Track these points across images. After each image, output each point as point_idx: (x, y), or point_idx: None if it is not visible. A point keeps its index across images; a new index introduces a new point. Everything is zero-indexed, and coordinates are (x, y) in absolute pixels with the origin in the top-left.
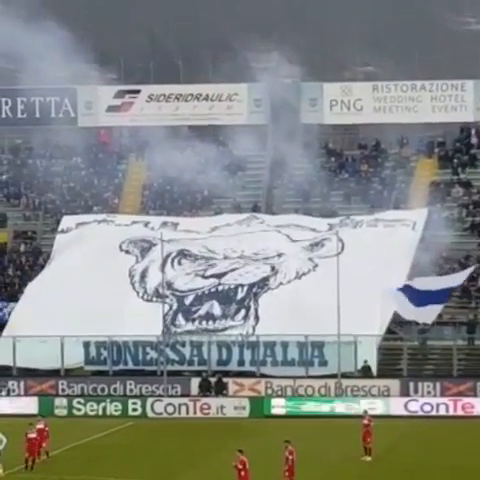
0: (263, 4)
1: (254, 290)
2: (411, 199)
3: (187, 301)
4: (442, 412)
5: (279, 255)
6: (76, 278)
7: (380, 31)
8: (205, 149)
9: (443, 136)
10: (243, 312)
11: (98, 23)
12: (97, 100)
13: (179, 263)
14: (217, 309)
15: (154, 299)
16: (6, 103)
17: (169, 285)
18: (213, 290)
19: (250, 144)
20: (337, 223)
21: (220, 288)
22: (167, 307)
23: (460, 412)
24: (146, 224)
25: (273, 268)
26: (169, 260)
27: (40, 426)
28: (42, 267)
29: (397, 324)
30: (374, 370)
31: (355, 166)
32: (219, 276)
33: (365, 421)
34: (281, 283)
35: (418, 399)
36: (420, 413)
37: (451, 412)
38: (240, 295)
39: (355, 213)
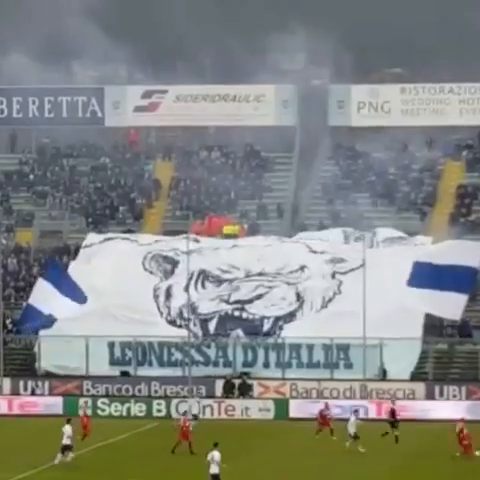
0: (291, 5)
1: (280, 323)
2: (438, 202)
3: (211, 326)
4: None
5: (302, 269)
6: (99, 292)
7: (408, 33)
8: (232, 150)
9: (471, 139)
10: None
11: (128, 23)
12: (124, 100)
13: (203, 286)
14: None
15: (177, 321)
16: (33, 102)
17: (193, 309)
18: (237, 314)
19: (277, 145)
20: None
21: (244, 315)
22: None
23: None
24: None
25: (298, 296)
26: (192, 283)
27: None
28: (67, 267)
29: (423, 327)
30: (407, 373)
31: (382, 168)
32: (243, 303)
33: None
34: (308, 315)
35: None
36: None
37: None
38: (266, 327)
39: (381, 216)
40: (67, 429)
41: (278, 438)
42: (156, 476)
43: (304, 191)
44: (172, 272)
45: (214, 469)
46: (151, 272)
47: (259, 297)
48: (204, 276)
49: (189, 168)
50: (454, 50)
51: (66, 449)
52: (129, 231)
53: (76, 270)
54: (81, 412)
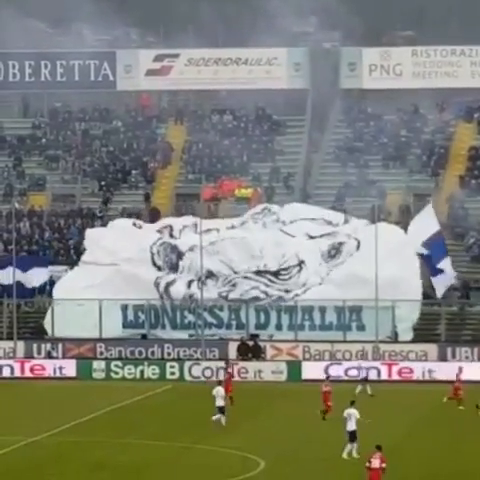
0: None
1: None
2: (450, 164)
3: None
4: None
5: (300, 265)
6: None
7: None
8: (244, 113)
9: None
10: None
11: None
12: (136, 64)
13: (204, 283)
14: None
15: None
16: (45, 66)
17: (193, 301)
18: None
19: (289, 108)
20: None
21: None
22: None
23: None
24: (171, 233)
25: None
26: (195, 281)
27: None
28: (80, 231)
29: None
30: (408, 336)
31: (394, 131)
32: (241, 301)
33: None
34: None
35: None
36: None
37: None
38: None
39: (393, 179)
40: (219, 390)
41: (291, 400)
42: (169, 438)
43: (316, 154)
44: (176, 266)
45: (351, 426)
46: (154, 263)
47: (256, 299)
48: (207, 274)
49: (201, 131)
50: (466, 12)
51: (221, 411)
52: (146, 197)
53: (93, 233)
54: (225, 374)
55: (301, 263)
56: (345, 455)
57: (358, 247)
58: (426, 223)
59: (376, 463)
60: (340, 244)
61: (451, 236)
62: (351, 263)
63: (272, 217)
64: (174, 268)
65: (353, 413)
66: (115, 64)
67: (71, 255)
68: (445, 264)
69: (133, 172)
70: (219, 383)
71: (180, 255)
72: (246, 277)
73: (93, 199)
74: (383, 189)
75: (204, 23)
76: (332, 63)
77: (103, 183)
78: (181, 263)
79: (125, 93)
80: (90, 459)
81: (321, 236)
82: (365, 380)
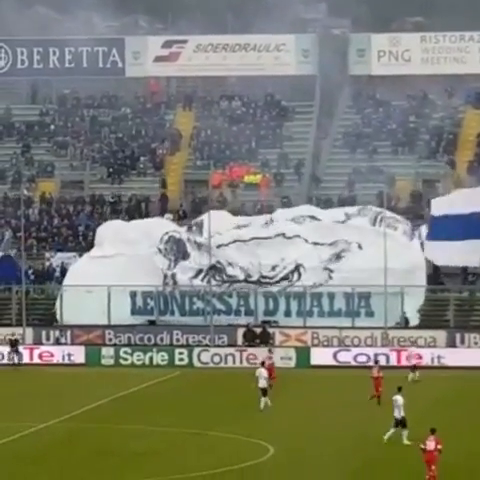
0: None
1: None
2: (459, 150)
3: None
4: None
5: (297, 268)
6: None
7: None
8: (252, 100)
9: None
10: None
11: None
12: (145, 50)
13: (208, 281)
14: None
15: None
16: (54, 53)
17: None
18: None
19: (297, 95)
20: (355, 213)
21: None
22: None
23: None
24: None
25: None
26: (201, 276)
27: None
28: (89, 217)
29: (444, 275)
30: (414, 321)
31: (403, 117)
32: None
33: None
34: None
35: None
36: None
37: None
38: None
39: (402, 165)
40: (262, 372)
41: (299, 386)
42: (178, 424)
43: (325, 140)
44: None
45: (398, 412)
46: (162, 252)
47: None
48: (212, 274)
49: (210, 118)
50: None
51: (264, 392)
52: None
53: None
54: (267, 361)
55: (299, 267)
56: (386, 438)
57: (360, 247)
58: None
59: (431, 445)
60: (341, 251)
61: None
62: (352, 261)
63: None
64: (178, 259)
65: (400, 399)
66: (123, 51)
67: (80, 242)
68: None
69: (142, 158)
70: (262, 364)
71: (185, 253)
72: (247, 277)
73: (102, 185)
74: (392, 175)
75: (212, 9)
76: (341, 49)
77: (111, 170)
78: (187, 256)
79: (133, 79)
80: (99, 445)
81: (322, 244)
82: (414, 367)
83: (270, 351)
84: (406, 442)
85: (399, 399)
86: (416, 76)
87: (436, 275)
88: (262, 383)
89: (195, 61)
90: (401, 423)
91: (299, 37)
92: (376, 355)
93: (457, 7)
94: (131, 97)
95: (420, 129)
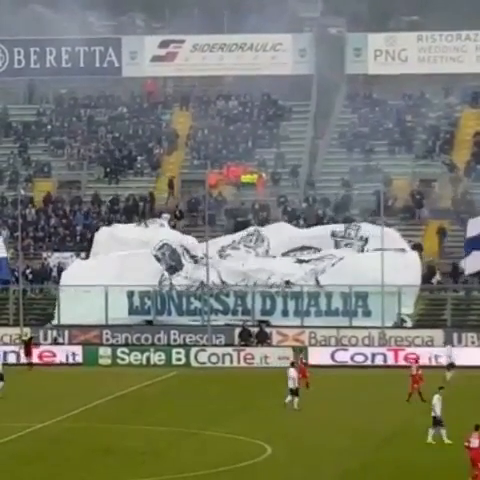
0: None
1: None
2: (455, 149)
3: None
4: None
5: (287, 283)
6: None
7: None
8: (249, 99)
9: None
10: None
11: None
12: (142, 50)
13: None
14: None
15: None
16: (51, 53)
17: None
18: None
19: (294, 94)
20: (342, 232)
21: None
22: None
23: None
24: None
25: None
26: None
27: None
28: (86, 216)
29: (441, 274)
30: (410, 321)
31: (399, 116)
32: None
33: None
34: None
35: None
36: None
37: None
38: None
39: (399, 164)
40: (291, 371)
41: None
42: (176, 423)
43: (321, 140)
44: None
45: (436, 411)
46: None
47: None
48: (201, 289)
49: (206, 117)
50: None
51: (294, 393)
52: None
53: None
54: (299, 361)
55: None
56: (430, 439)
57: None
58: None
59: (475, 443)
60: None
61: (456, 221)
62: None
63: (263, 245)
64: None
65: (438, 399)
66: (120, 50)
67: (77, 242)
68: None
69: (139, 158)
70: (292, 365)
71: (180, 264)
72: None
73: (99, 185)
74: (388, 175)
75: (209, 9)
76: (337, 49)
77: (108, 169)
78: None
79: (130, 79)
80: (97, 445)
81: (308, 261)
82: (451, 366)
83: (295, 350)
84: (447, 441)
85: (438, 398)
86: (413, 75)
87: (430, 274)
88: (291, 384)
89: (192, 61)
90: (439, 422)
91: (296, 36)
92: (373, 355)
93: (453, 6)
94: (128, 97)
95: (417, 128)
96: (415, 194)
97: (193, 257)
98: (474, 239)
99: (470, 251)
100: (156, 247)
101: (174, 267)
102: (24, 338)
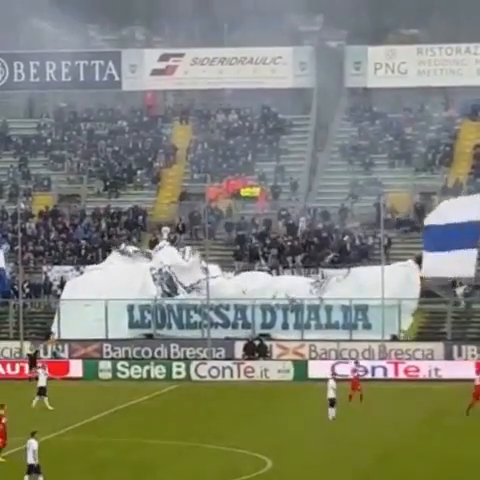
0: None
1: None
2: (455, 162)
3: None
4: None
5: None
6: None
7: None
8: (249, 113)
9: None
10: None
11: None
12: (141, 63)
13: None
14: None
15: None
16: (50, 66)
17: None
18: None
19: (294, 107)
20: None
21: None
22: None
23: None
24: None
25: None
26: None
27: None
28: (85, 231)
29: (441, 287)
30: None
31: (399, 129)
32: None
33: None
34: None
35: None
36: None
37: None
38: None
39: (399, 177)
40: (332, 383)
41: (297, 399)
42: (176, 437)
43: (321, 153)
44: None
45: None
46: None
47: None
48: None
49: (206, 131)
50: (470, 10)
51: (333, 403)
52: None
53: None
54: (352, 374)
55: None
56: None
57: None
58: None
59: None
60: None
61: None
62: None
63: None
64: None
65: None
66: (120, 64)
67: (77, 255)
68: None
69: (138, 172)
70: (333, 375)
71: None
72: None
73: (99, 199)
74: (388, 188)
75: (209, 22)
76: (337, 62)
77: (108, 183)
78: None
79: (130, 93)
80: (97, 459)
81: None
82: None
83: (357, 364)
84: None
85: None
86: (412, 88)
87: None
88: (330, 394)
89: (192, 74)
90: None
91: (296, 50)
92: (373, 368)
93: (453, 19)
94: (128, 110)
95: (417, 141)
96: (417, 207)
97: (188, 288)
98: (455, 229)
99: (456, 246)
100: (156, 268)
101: (169, 293)
102: (29, 352)
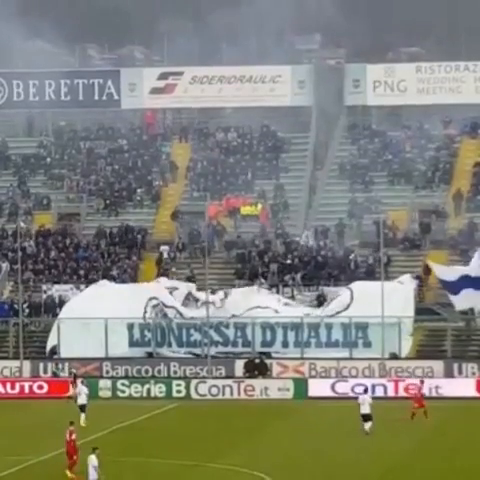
0: None
1: None
2: (455, 180)
3: None
4: None
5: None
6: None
7: (423, 12)
8: (248, 131)
9: None
10: None
11: (143, 5)
12: (141, 82)
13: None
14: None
15: None
16: (49, 85)
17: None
18: None
19: (293, 126)
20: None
21: None
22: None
23: None
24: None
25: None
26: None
27: None
28: (85, 249)
29: (440, 305)
30: (404, 353)
31: (399, 147)
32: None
33: None
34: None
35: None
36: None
37: None
38: None
39: (398, 195)
40: (365, 398)
41: (297, 417)
42: (177, 456)
43: (320, 171)
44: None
45: None
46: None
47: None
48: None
49: (206, 149)
50: (469, 28)
51: (367, 418)
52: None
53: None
54: (418, 392)
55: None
56: None
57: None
58: None
59: None
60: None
61: (455, 252)
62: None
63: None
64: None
65: None
66: (119, 82)
67: (77, 274)
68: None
69: (138, 190)
70: (365, 391)
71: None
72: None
73: (98, 218)
74: (388, 206)
75: (208, 41)
76: (336, 80)
77: (108, 202)
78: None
79: (129, 111)
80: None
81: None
82: None
83: (422, 382)
84: None
85: None
86: (412, 106)
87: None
88: (363, 409)
89: (191, 93)
90: None
91: (295, 68)
92: (373, 386)
93: (452, 37)
94: (127, 129)
95: (416, 159)
96: (420, 225)
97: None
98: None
99: (458, 290)
100: (152, 301)
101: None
102: (73, 370)
